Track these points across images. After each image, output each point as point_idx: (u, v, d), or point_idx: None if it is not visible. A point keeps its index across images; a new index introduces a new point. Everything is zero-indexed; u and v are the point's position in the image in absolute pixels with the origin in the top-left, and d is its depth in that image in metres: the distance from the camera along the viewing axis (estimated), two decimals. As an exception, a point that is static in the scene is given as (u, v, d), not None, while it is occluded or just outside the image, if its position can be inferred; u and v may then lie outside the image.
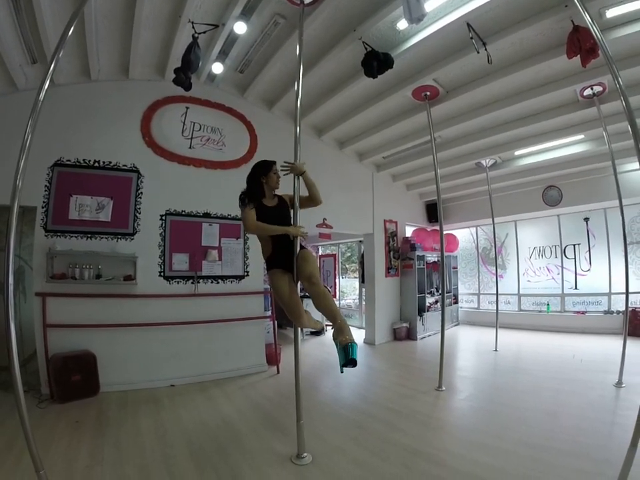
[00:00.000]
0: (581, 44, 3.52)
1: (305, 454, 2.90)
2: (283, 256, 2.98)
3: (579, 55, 3.64)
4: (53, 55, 2.47)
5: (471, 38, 3.82)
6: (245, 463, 2.85)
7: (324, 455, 2.95)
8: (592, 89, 4.63)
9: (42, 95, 2.39)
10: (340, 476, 2.66)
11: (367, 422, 3.60)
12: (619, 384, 4.22)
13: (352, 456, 2.93)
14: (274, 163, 3.11)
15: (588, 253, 7.91)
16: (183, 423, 3.62)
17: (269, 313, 5.84)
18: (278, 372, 5.41)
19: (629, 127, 2.31)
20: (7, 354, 4.27)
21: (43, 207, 4.39)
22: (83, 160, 4.64)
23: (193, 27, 3.93)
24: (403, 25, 3.93)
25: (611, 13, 3.53)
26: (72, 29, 2.52)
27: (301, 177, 3.08)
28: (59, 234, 4.44)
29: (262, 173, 3.04)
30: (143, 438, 3.28)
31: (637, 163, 2.29)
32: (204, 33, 4.02)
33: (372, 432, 3.37)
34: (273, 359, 5.58)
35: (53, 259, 4.32)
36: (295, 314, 2.95)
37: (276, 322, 5.87)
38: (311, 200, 3.15)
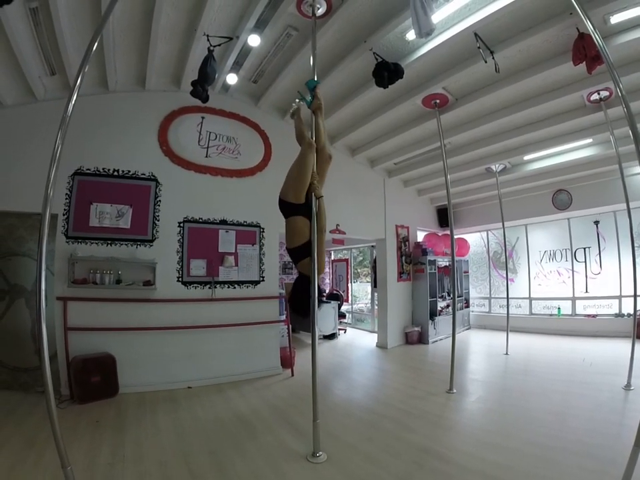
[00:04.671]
0: (587, 51, 3.58)
1: (320, 452, 3.00)
2: None
3: (584, 62, 3.70)
4: (79, 70, 2.54)
5: (479, 47, 3.91)
6: (262, 459, 2.95)
7: (338, 453, 3.04)
8: (599, 93, 4.66)
9: (70, 109, 2.49)
10: (354, 472, 2.75)
11: (379, 422, 3.69)
12: (627, 386, 4.24)
13: (365, 454, 3.02)
14: None
15: (598, 256, 7.91)
16: (200, 422, 3.74)
17: (284, 317, 5.96)
18: (292, 374, 5.51)
19: (630, 132, 2.38)
20: (25, 357, 4.47)
21: (64, 215, 4.54)
22: (102, 169, 4.80)
23: (208, 40, 4.07)
24: (412, 35, 4.01)
25: (616, 19, 3.55)
26: (95, 44, 2.60)
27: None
28: (79, 240, 4.58)
29: None
30: (162, 436, 3.40)
31: (640, 167, 2.35)
32: (219, 45, 4.16)
33: (384, 431, 3.46)
34: (287, 361, 5.69)
35: (74, 265, 4.46)
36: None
37: (290, 326, 5.97)
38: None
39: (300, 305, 3.21)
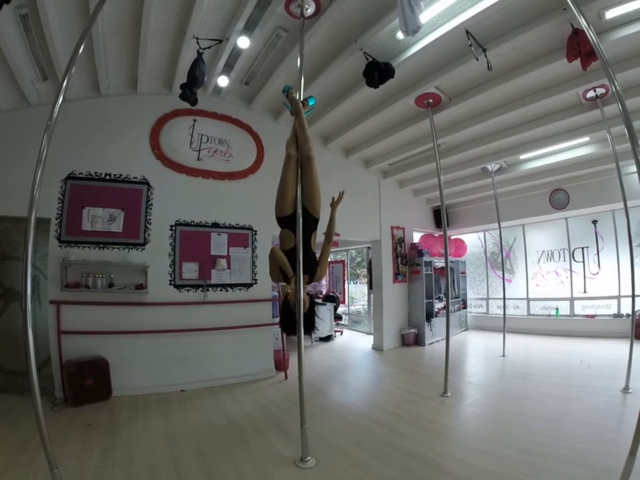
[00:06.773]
0: (581, 47, 3.52)
1: (309, 457, 2.96)
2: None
3: (579, 59, 3.64)
4: (65, 73, 2.52)
5: (470, 45, 3.87)
6: (250, 464, 2.93)
7: (327, 458, 3.01)
8: (595, 91, 4.60)
9: (56, 111, 2.44)
10: (342, 478, 2.71)
11: (370, 426, 3.65)
12: (625, 389, 4.17)
13: (354, 459, 2.99)
14: None
15: (597, 255, 7.84)
16: (191, 425, 3.73)
17: (277, 320, 5.88)
18: (286, 377, 5.48)
19: (625, 130, 2.34)
20: (20, 360, 4.49)
21: (56, 219, 4.54)
22: (95, 173, 4.79)
23: (198, 43, 4.05)
24: (402, 34, 3.99)
25: (611, 14, 3.48)
26: (82, 47, 2.58)
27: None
28: (72, 244, 4.58)
29: None
30: (153, 438, 3.40)
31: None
32: (208, 48, 4.14)
33: (375, 436, 3.41)
34: (281, 364, 5.65)
35: (66, 269, 4.47)
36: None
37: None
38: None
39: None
